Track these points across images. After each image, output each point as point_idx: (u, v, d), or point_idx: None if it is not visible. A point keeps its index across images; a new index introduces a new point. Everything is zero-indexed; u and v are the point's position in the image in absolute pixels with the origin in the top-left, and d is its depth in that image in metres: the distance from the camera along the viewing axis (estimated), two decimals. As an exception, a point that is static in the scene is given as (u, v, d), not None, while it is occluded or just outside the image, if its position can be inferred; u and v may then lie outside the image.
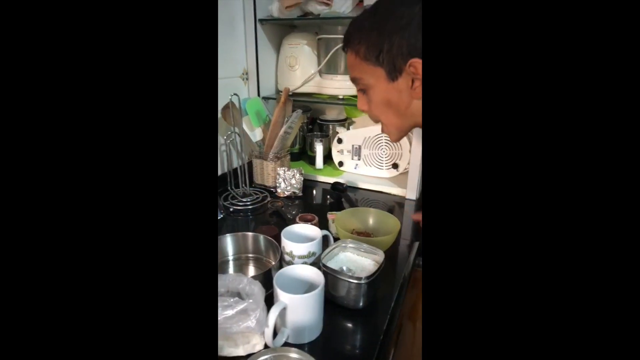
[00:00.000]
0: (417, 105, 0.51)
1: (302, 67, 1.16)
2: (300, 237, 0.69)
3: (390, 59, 0.49)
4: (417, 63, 0.47)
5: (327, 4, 1.05)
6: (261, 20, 1.11)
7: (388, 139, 1.02)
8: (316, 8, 1.06)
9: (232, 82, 1.13)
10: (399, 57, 0.48)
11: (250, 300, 0.50)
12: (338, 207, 1.01)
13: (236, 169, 1.06)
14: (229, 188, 1.06)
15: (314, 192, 1.13)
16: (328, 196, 1.09)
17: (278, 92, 1.26)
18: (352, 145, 1.17)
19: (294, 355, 0.46)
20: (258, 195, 1.06)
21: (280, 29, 1.22)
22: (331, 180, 1.12)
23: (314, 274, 0.58)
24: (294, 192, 1.06)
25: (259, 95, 1.18)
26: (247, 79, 1.17)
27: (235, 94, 0.97)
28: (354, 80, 0.56)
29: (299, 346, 0.52)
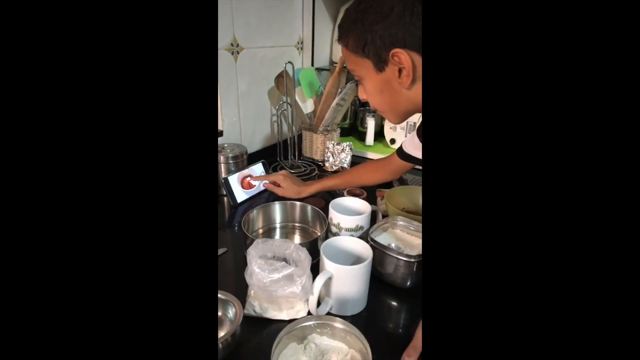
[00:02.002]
0: (410, 92, 0.50)
1: (359, 37, 1.10)
2: (348, 210, 0.68)
3: (374, 51, 0.48)
4: (400, 53, 0.46)
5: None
6: (320, -13, 1.07)
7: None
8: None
9: (287, 51, 1.11)
10: (382, 48, 0.47)
11: (297, 266, 0.50)
12: (388, 185, 0.97)
13: (286, 140, 1.06)
14: (278, 159, 1.07)
15: (363, 168, 1.10)
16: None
17: (332, 63, 1.22)
18: (407, 122, 1.11)
19: (338, 324, 0.45)
20: (306, 168, 1.05)
21: (339, -3, 1.17)
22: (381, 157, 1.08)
23: (362, 247, 0.56)
24: (342, 167, 1.04)
25: (312, 65, 1.15)
26: (301, 49, 1.15)
27: (290, 62, 0.95)
28: (350, 71, 0.55)
29: (342, 318, 0.52)
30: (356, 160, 1.10)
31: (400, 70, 0.48)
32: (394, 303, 0.58)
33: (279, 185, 0.84)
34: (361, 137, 1.22)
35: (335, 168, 1.04)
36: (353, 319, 0.54)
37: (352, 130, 1.29)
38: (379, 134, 1.20)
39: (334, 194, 0.91)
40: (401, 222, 0.64)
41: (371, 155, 1.14)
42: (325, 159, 1.05)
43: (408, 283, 0.58)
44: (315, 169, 1.05)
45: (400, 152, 0.81)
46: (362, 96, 0.57)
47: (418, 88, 0.49)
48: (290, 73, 0.98)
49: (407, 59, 0.46)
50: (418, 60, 0.46)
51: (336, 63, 1.11)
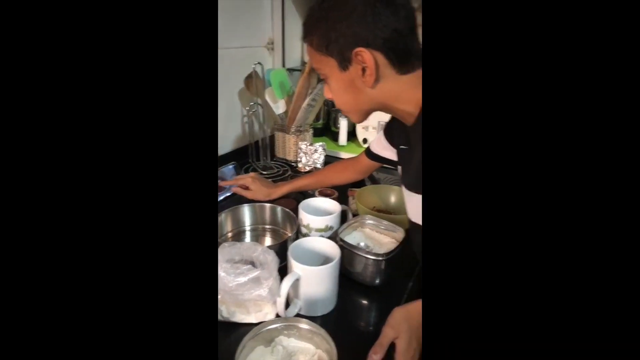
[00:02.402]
0: (374, 91, 0.51)
1: (329, 38, 1.11)
2: (318, 211, 0.68)
3: (338, 49, 0.48)
4: (362, 52, 0.47)
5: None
6: (289, -13, 1.06)
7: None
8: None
9: (257, 52, 1.10)
10: (345, 47, 0.48)
11: (263, 269, 0.50)
12: (359, 184, 0.98)
13: (258, 141, 1.05)
14: (250, 160, 1.06)
15: (336, 168, 1.10)
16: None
17: (303, 63, 1.22)
18: (379, 122, 1.13)
19: (304, 325, 0.45)
20: (279, 169, 1.04)
21: (309, -3, 1.17)
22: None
23: (330, 247, 0.56)
24: (316, 167, 1.04)
25: (283, 66, 1.14)
26: (272, 49, 1.14)
27: (259, 63, 0.94)
28: (316, 70, 0.56)
29: (312, 319, 0.51)
30: (329, 160, 1.10)
31: (363, 69, 0.48)
32: (364, 301, 0.58)
33: (247, 188, 0.83)
34: (334, 137, 1.22)
35: (308, 168, 1.04)
36: (323, 319, 0.54)
37: (326, 130, 1.30)
38: (352, 134, 1.21)
39: (305, 194, 0.91)
40: (370, 221, 0.65)
41: (344, 155, 1.15)
42: (298, 159, 1.05)
43: (377, 281, 0.58)
44: (289, 170, 1.05)
45: (368, 152, 0.81)
46: (328, 95, 0.57)
47: (381, 87, 0.50)
48: (260, 74, 0.98)
49: (370, 58, 0.46)
50: (381, 59, 0.47)
51: (307, 63, 1.11)
